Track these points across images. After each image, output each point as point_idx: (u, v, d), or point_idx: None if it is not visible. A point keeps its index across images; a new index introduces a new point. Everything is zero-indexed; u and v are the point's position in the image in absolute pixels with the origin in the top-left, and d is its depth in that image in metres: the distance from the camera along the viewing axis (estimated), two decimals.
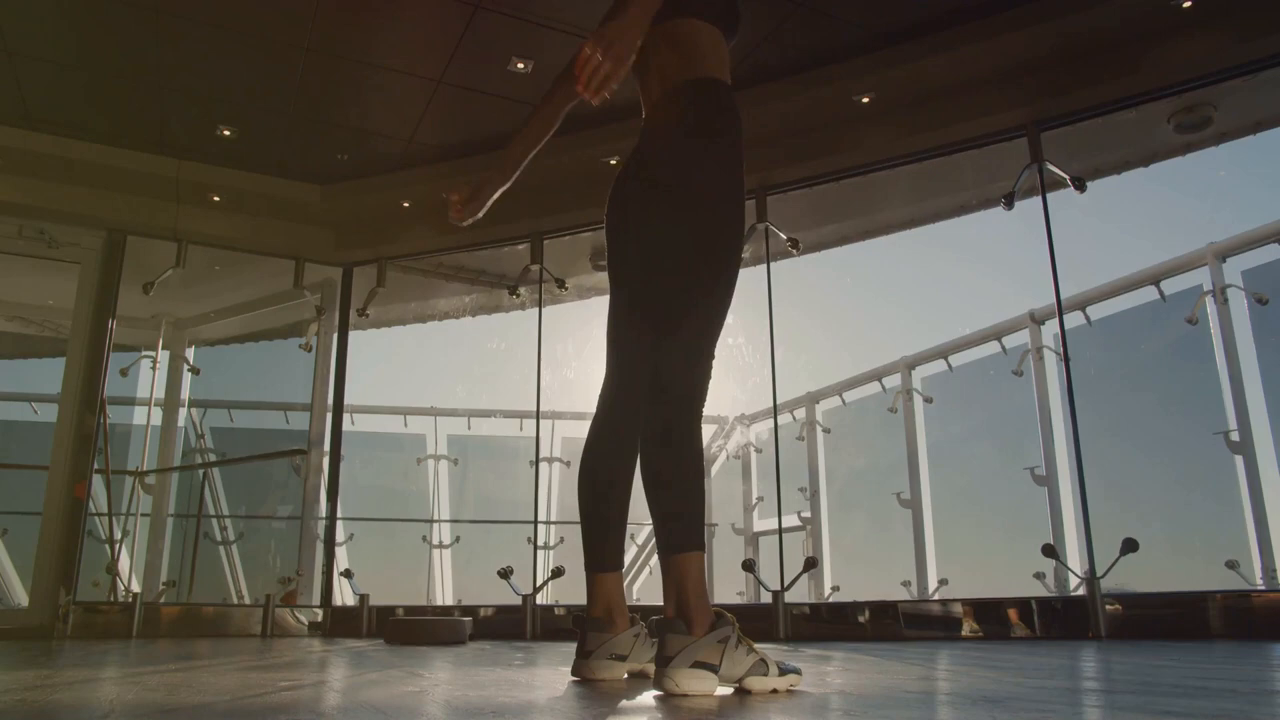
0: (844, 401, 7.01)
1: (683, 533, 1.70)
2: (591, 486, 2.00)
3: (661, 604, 1.69)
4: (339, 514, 5.60)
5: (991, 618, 3.99)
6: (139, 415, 6.19)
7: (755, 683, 1.63)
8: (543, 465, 6.38)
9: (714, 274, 1.84)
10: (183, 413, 6.34)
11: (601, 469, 2.00)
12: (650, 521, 2.04)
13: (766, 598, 4.44)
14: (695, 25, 1.98)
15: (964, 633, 4.01)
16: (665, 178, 1.89)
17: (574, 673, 1.92)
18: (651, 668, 1.77)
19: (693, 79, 1.94)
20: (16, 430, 6.49)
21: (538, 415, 5.63)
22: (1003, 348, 5.75)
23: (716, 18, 2.00)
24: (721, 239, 1.85)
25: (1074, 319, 5.09)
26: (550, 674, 2.13)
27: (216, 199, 5.44)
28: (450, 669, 2.34)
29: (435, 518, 7.31)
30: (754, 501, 7.51)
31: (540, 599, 4.92)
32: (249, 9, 4.02)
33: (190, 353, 6.46)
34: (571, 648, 1.98)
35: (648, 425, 1.80)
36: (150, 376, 6.19)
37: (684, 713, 1.34)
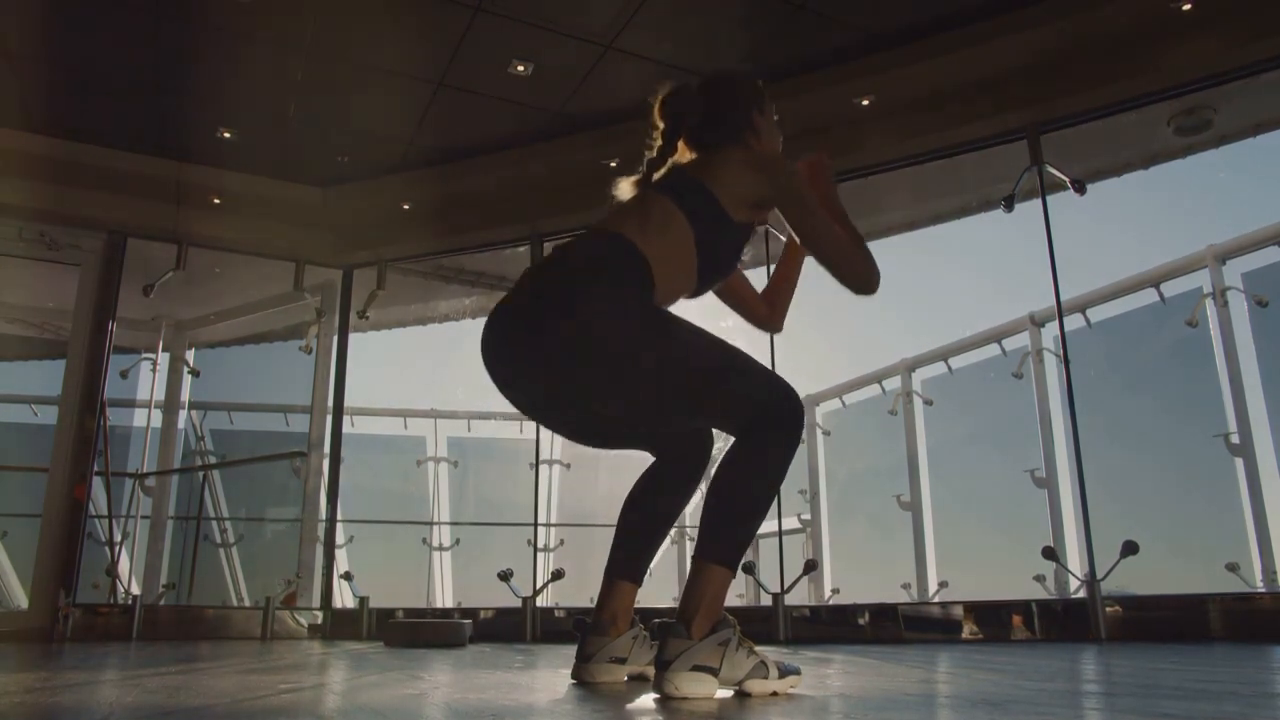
0: (844, 404, 7.02)
1: (722, 546, 1.68)
2: (639, 505, 2.01)
3: (661, 606, 1.69)
4: (339, 516, 5.60)
5: (992, 620, 3.99)
6: (139, 417, 6.19)
7: (755, 685, 1.63)
8: (543, 468, 6.38)
9: (689, 370, 1.72)
10: (183, 415, 6.33)
11: (656, 495, 2.02)
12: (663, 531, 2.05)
13: (767, 600, 4.44)
14: (669, 207, 1.80)
15: (964, 635, 4.00)
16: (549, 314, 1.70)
17: (574, 676, 1.92)
18: (651, 670, 1.77)
19: (617, 234, 1.75)
20: (16, 432, 6.49)
21: None
22: (1003, 350, 5.75)
23: (696, 226, 1.80)
24: (666, 360, 1.71)
25: (1074, 321, 5.09)
26: (550, 676, 2.13)
27: (217, 201, 5.45)
28: (450, 671, 2.34)
29: (435, 520, 7.31)
30: None
31: (540, 601, 4.91)
32: (249, 10, 4.03)
33: (190, 355, 6.46)
34: (571, 650, 1.98)
35: (739, 441, 1.72)
36: (150, 378, 6.19)
37: (683, 715, 1.33)
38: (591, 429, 1.96)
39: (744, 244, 1.94)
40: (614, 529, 2.01)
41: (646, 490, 2.02)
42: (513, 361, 1.78)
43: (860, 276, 1.87)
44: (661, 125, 2.00)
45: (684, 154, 2.00)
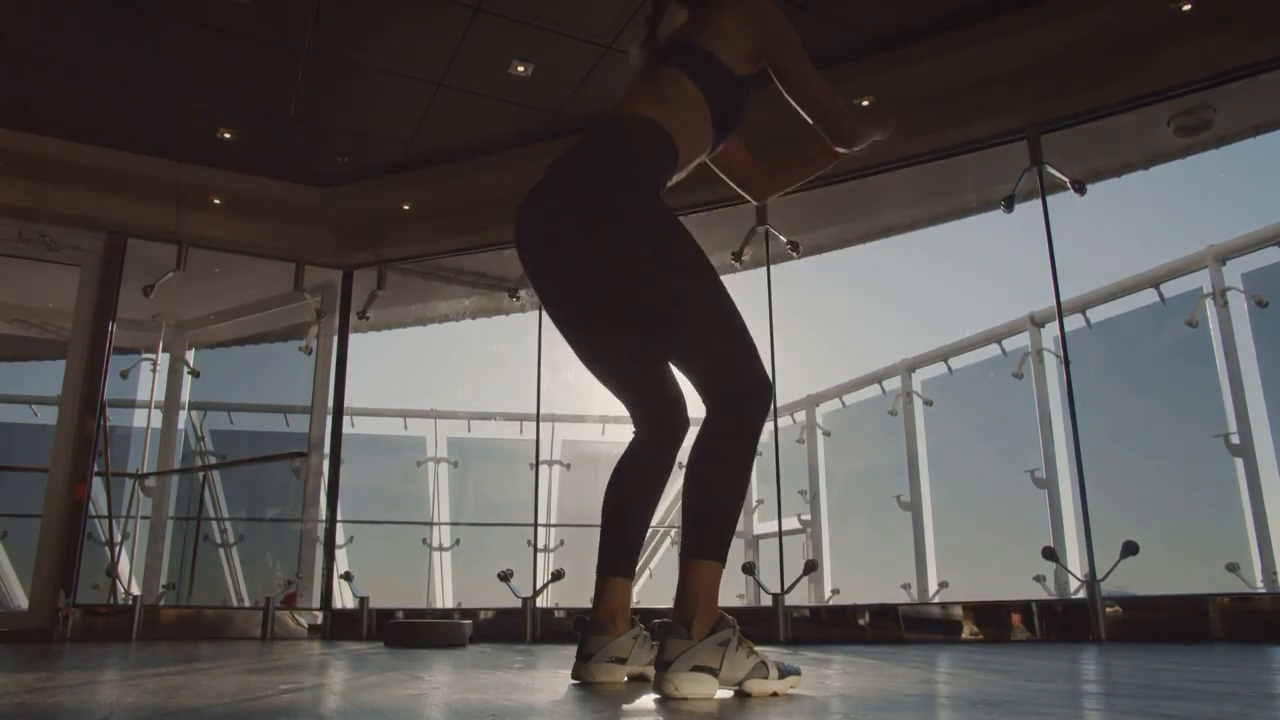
0: (844, 404, 7.02)
1: (708, 540, 1.68)
2: (619, 493, 2.00)
3: (661, 607, 1.69)
4: (339, 516, 5.60)
5: (992, 621, 3.99)
6: (139, 417, 6.20)
7: (755, 685, 1.63)
8: (543, 468, 6.38)
9: (698, 285, 1.78)
10: (183, 415, 6.34)
11: (634, 479, 2.01)
12: (655, 526, 2.05)
13: (767, 600, 4.44)
14: (682, 80, 1.90)
15: (964, 636, 4.00)
16: (594, 211, 1.77)
17: (574, 676, 1.92)
18: (651, 670, 1.77)
19: (643, 118, 1.85)
20: (16, 432, 6.49)
21: (538, 418, 5.63)
22: (1003, 350, 5.75)
23: (707, 90, 1.90)
24: (676, 245, 1.78)
25: (1074, 322, 5.09)
26: (550, 677, 2.13)
27: (217, 201, 5.45)
28: (450, 672, 2.34)
29: (435, 520, 7.31)
30: (754, 504, 7.50)
31: (540, 602, 4.91)
32: (249, 10, 4.03)
33: (190, 355, 6.46)
34: (571, 650, 1.98)
35: (706, 427, 1.77)
36: (150, 379, 6.20)
37: (683, 716, 1.33)
38: (597, 331, 1.95)
39: (749, 95, 2.01)
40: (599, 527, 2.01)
41: (622, 478, 2.01)
42: (544, 232, 1.87)
43: (845, 128, 2.02)
44: None
45: (680, 13, 2.10)
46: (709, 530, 1.70)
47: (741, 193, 2.29)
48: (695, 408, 1.90)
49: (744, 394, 1.74)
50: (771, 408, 1.81)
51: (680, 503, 1.77)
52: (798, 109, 2.00)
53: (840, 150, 2.10)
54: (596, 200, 1.77)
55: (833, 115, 1.99)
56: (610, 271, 1.81)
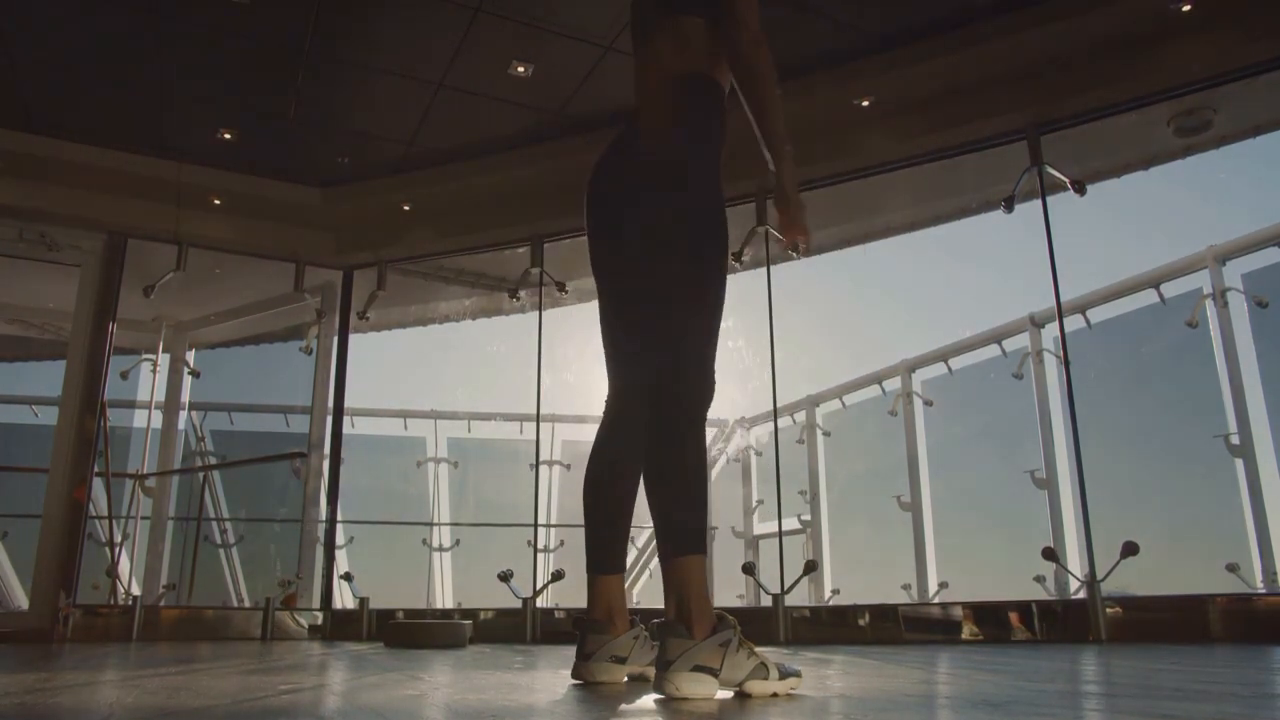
0: (844, 404, 7.02)
1: (685, 536, 1.70)
2: (596, 488, 2.01)
3: (660, 606, 1.69)
4: (339, 517, 5.60)
5: (992, 621, 3.99)
6: (139, 418, 6.20)
7: (756, 686, 1.63)
8: (543, 468, 6.38)
9: (710, 273, 1.84)
10: (183, 415, 6.34)
11: (607, 471, 2.01)
12: (650, 524, 2.04)
13: (767, 601, 4.44)
14: (697, 23, 1.98)
15: (964, 636, 4.00)
16: (659, 174, 1.89)
17: (574, 675, 1.92)
18: (651, 670, 1.77)
19: (689, 73, 1.95)
20: (17, 433, 6.49)
21: (538, 418, 5.63)
22: (1003, 351, 5.75)
23: (714, 20, 1.98)
24: (713, 240, 1.86)
25: (1074, 322, 5.10)
26: (550, 677, 2.13)
27: (217, 202, 5.45)
28: (450, 672, 2.34)
29: (435, 521, 7.31)
30: (754, 505, 7.50)
31: (540, 602, 4.91)
32: (249, 10, 4.03)
33: (190, 355, 6.47)
34: (571, 651, 1.98)
35: (653, 426, 1.81)
36: (150, 379, 6.20)
37: (684, 716, 1.33)
38: (625, 274, 2.00)
39: None
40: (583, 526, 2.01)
41: (598, 470, 2.01)
42: (611, 176, 2.02)
43: (759, 67, 1.94)
44: None
45: None
46: (681, 526, 1.71)
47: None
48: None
49: (697, 394, 1.80)
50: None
51: (648, 505, 1.79)
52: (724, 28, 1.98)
53: (751, 113, 1.96)
54: (665, 169, 1.87)
55: (755, 32, 1.93)
56: (658, 216, 1.88)
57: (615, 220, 2.02)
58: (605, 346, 2.06)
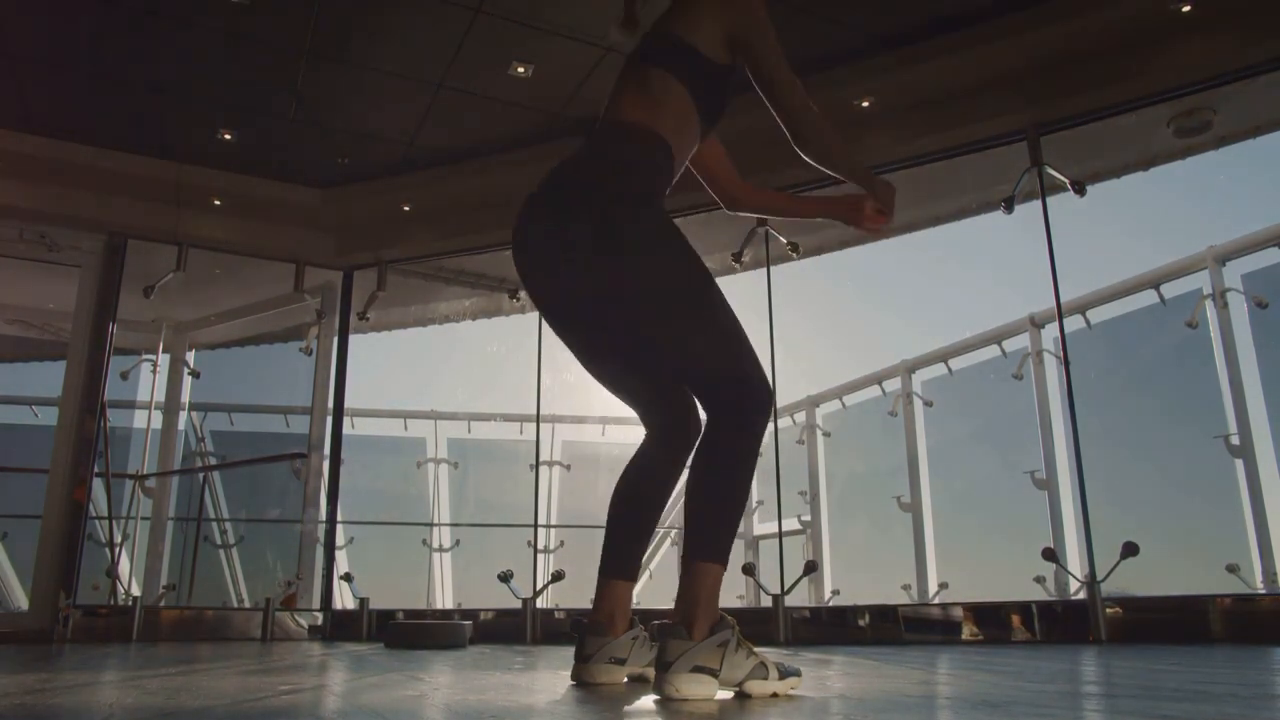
0: (844, 405, 7.01)
1: (709, 544, 1.69)
2: (626, 498, 2.01)
3: (660, 607, 1.69)
4: (339, 517, 5.60)
5: (992, 622, 3.99)
6: (139, 418, 6.20)
7: (755, 686, 1.63)
8: (543, 469, 6.38)
9: (689, 298, 1.78)
10: (183, 416, 6.34)
11: (642, 485, 2.01)
12: (658, 530, 2.05)
13: (767, 601, 4.44)
14: (662, 75, 1.90)
15: (964, 636, 4.00)
16: (592, 240, 1.77)
17: (573, 677, 1.92)
18: (651, 671, 1.77)
19: (639, 127, 1.86)
20: (17, 433, 6.49)
21: (538, 419, 5.63)
22: (1003, 351, 5.75)
23: (692, 88, 1.89)
24: (676, 273, 1.78)
25: (1074, 322, 5.09)
26: (550, 678, 2.13)
27: (217, 202, 5.45)
28: (450, 673, 2.34)
29: (435, 521, 7.31)
30: (754, 505, 7.50)
31: (540, 603, 4.91)
32: (249, 10, 4.03)
33: (190, 356, 6.47)
34: (571, 652, 1.97)
35: (706, 435, 1.78)
36: (150, 380, 6.20)
37: (683, 717, 1.33)
38: (607, 338, 1.95)
39: (731, 82, 1.98)
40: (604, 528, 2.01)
41: (630, 483, 2.01)
42: (540, 248, 1.88)
43: (798, 128, 1.87)
44: None
45: None
46: (710, 533, 1.70)
47: (710, 191, 2.24)
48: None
49: (744, 400, 1.75)
50: (772, 410, 1.80)
51: (683, 503, 1.78)
52: (769, 105, 1.94)
53: (826, 171, 1.95)
54: (595, 217, 1.76)
55: (796, 109, 1.88)
56: (610, 288, 1.81)
57: (559, 299, 1.93)
58: (619, 398, 2.05)
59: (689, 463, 1.79)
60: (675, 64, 1.90)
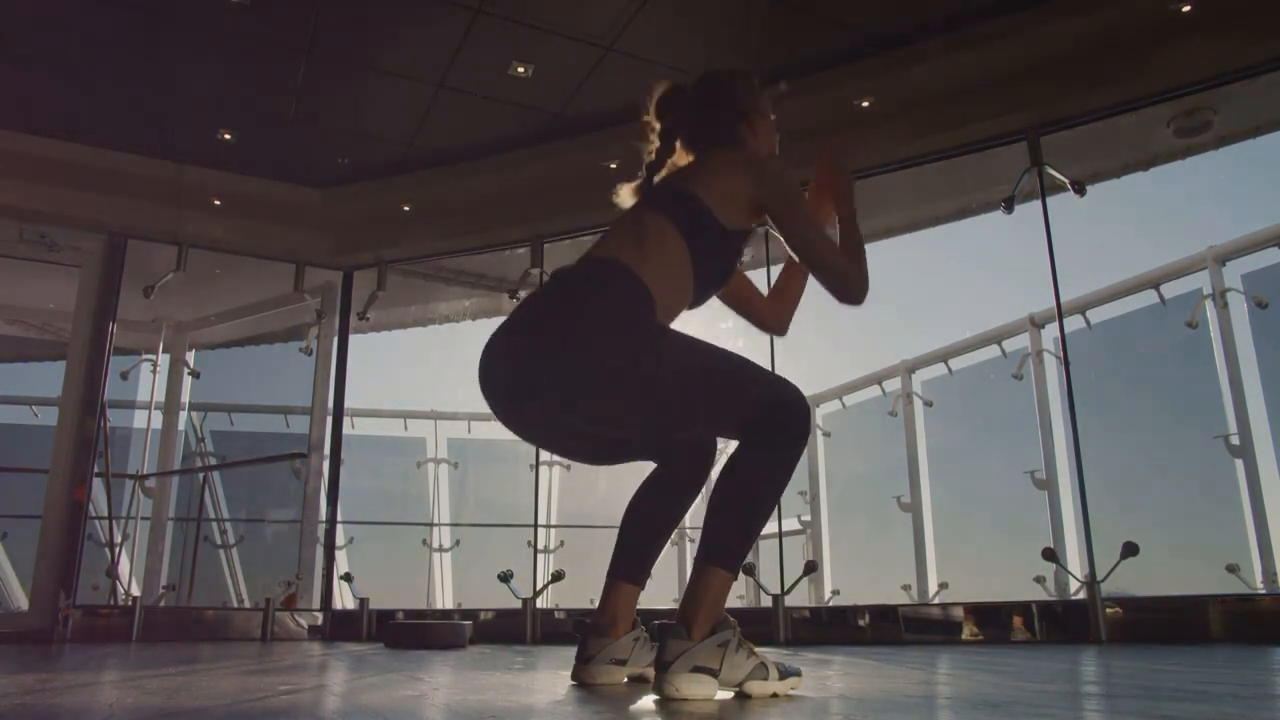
0: (844, 405, 7.01)
1: (720, 551, 1.67)
2: (643, 506, 2.01)
3: (660, 607, 1.69)
4: (339, 517, 5.60)
5: (992, 622, 3.99)
6: (139, 418, 6.20)
7: (755, 687, 1.63)
8: (543, 469, 6.37)
9: (690, 386, 1.72)
10: (183, 416, 6.34)
11: (661, 497, 2.01)
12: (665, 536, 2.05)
13: (767, 601, 4.44)
14: (667, 230, 1.79)
15: (964, 636, 4.00)
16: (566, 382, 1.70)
17: (574, 677, 1.92)
18: (651, 671, 1.77)
19: (610, 259, 1.74)
20: (17, 433, 6.49)
21: None
22: (1003, 351, 5.75)
23: (692, 242, 1.78)
24: (661, 371, 1.70)
25: (1074, 322, 5.09)
26: (550, 678, 2.13)
27: (217, 202, 5.45)
28: (450, 673, 2.34)
29: (435, 521, 7.31)
30: None
31: (540, 603, 4.91)
32: (249, 11, 4.03)
33: (190, 356, 6.47)
34: (571, 652, 1.98)
35: (740, 445, 1.73)
36: (150, 380, 6.20)
37: (683, 717, 1.33)
38: (595, 451, 1.95)
39: (740, 251, 1.92)
40: (616, 530, 2.01)
41: (650, 493, 2.02)
42: (509, 387, 1.76)
43: (845, 288, 1.83)
44: (657, 127, 2.01)
45: (681, 156, 2.00)
46: (726, 541, 1.69)
47: (759, 329, 2.19)
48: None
49: (775, 429, 1.70)
50: (808, 431, 1.76)
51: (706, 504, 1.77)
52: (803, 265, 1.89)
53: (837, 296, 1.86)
54: (562, 365, 1.68)
55: (834, 271, 1.81)
56: (598, 423, 1.78)
57: (533, 424, 1.85)
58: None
59: (723, 466, 1.75)
60: (678, 215, 1.80)
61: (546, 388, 1.71)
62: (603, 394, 1.70)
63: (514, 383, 1.75)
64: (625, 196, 1.98)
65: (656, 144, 2.00)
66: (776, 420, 1.70)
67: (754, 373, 1.75)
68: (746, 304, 2.15)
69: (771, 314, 2.17)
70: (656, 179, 1.96)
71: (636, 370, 1.68)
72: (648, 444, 1.95)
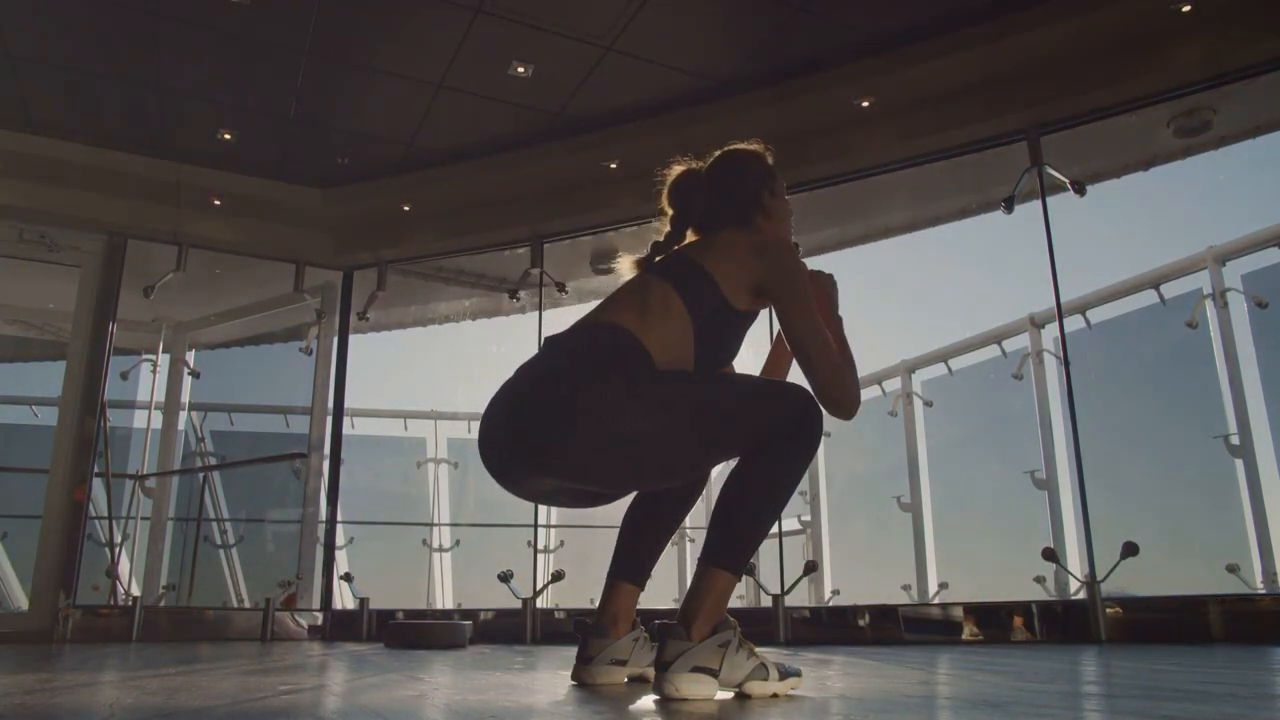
0: None
1: (725, 552, 1.67)
2: (644, 507, 2.01)
3: (660, 607, 1.69)
4: (339, 517, 5.60)
5: (992, 622, 3.99)
6: (139, 418, 6.20)
7: (755, 687, 1.63)
8: None
9: (694, 430, 1.69)
10: (183, 416, 6.34)
11: (663, 498, 2.01)
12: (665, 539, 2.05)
13: (767, 601, 4.44)
14: (671, 299, 1.76)
15: (964, 636, 4.00)
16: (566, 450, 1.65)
17: (574, 677, 1.92)
18: (651, 672, 1.77)
19: (610, 323, 1.72)
20: (17, 434, 6.49)
21: None
22: (1003, 351, 5.75)
23: (695, 313, 1.76)
24: (667, 420, 1.68)
25: (1074, 322, 5.09)
26: (550, 678, 2.13)
27: (217, 202, 5.45)
28: (450, 673, 2.34)
29: (435, 521, 7.31)
30: None
31: (540, 603, 4.91)
32: (249, 10, 4.03)
33: (190, 356, 6.47)
34: (572, 652, 1.98)
35: (753, 456, 1.71)
36: (150, 380, 6.20)
37: (683, 717, 1.34)
38: (605, 499, 1.94)
39: (744, 332, 1.91)
40: (616, 531, 2.02)
41: (651, 495, 2.02)
42: (509, 453, 1.72)
43: (837, 396, 1.75)
44: (670, 211, 1.99)
45: (691, 236, 1.99)
46: (730, 542, 1.68)
47: None
48: None
49: (793, 434, 1.70)
50: (818, 440, 1.75)
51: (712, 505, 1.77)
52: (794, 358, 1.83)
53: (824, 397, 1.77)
54: (561, 431, 1.63)
55: (826, 379, 1.74)
56: (604, 479, 1.75)
57: (556, 503, 1.90)
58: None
59: (733, 468, 1.74)
60: (685, 284, 1.78)
61: (553, 457, 1.66)
62: (613, 457, 1.67)
63: (511, 449, 1.71)
64: (626, 268, 1.96)
65: (668, 229, 1.99)
66: (787, 432, 1.69)
67: (764, 390, 1.75)
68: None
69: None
70: (659, 259, 1.95)
71: (645, 426, 1.65)
72: (662, 482, 1.94)
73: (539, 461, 1.67)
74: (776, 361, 2.08)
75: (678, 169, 2.03)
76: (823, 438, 1.74)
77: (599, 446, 1.64)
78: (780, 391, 1.75)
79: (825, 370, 1.74)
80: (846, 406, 1.76)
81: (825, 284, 1.98)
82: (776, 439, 1.69)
